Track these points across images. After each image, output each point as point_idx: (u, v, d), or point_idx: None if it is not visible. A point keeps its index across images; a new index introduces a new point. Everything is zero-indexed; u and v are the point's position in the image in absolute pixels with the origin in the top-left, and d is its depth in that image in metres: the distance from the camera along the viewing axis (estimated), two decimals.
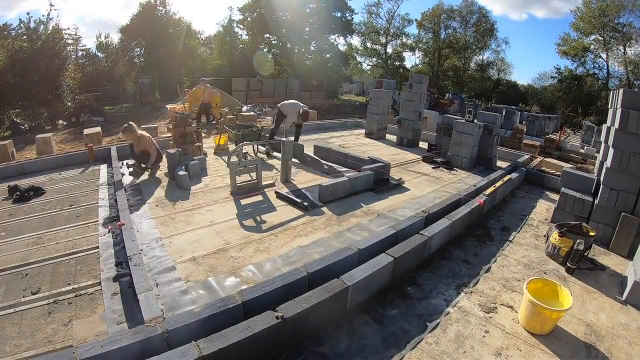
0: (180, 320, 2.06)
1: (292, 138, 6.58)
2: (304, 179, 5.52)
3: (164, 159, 5.52)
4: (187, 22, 27.77)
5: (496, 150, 7.07)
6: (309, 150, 6.98)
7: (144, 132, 5.52)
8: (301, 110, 6.57)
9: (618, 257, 3.70)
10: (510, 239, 3.99)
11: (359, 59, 38.83)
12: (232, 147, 6.57)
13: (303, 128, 10.28)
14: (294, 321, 2.13)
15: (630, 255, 3.62)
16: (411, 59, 66.46)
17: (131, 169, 5.51)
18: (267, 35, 31.22)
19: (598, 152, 5.73)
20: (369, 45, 37.92)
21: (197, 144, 6.40)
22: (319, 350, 2.22)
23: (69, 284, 2.76)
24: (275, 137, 6.79)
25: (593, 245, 3.57)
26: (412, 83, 8.62)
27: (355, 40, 37.55)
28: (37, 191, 4.76)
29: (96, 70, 22.94)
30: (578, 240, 3.24)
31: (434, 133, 8.47)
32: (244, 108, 14.66)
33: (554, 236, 3.51)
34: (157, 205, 4.27)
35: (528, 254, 3.66)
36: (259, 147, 6.69)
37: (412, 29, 57.42)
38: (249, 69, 26.70)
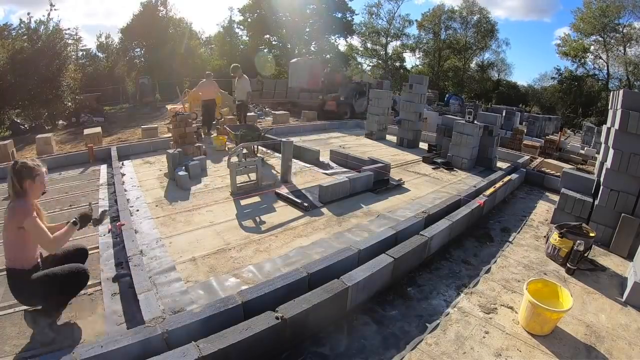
0: (180, 321, 2.06)
1: (292, 138, 6.57)
2: (304, 179, 5.52)
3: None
4: (187, 23, 27.88)
5: (496, 151, 7.07)
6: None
7: None
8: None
9: (618, 258, 3.70)
10: (510, 239, 3.99)
11: (359, 59, 38.93)
12: (232, 147, 6.56)
13: (303, 128, 10.35)
14: (293, 321, 2.13)
15: (630, 256, 3.62)
16: (411, 60, 66.47)
17: None
18: (268, 35, 31.31)
19: (598, 153, 5.72)
20: (369, 45, 38.04)
21: (197, 144, 6.41)
22: (319, 351, 2.21)
23: None
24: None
25: (593, 246, 3.57)
26: (412, 84, 8.62)
27: (356, 41, 37.67)
28: None
29: (96, 71, 22.96)
30: (578, 241, 3.24)
31: (434, 134, 8.48)
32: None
33: (554, 237, 3.51)
34: (157, 206, 4.27)
35: (528, 254, 3.66)
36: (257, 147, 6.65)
37: (413, 30, 57.47)
38: (249, 70, 26.67)
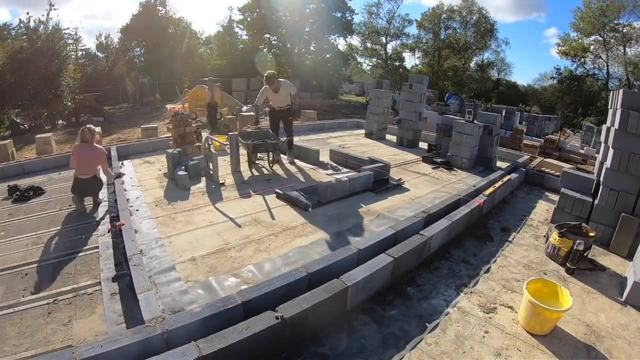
0: (180, 320, 2.06)
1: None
2: (304, 179, 5.52)
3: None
4: (187, 22, 27.86)
5: (496, 150, 7.07)
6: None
7: None
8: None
9: (618, 257, 3.70)
10: (510, 239, 3.99)
11: (359, 59, 38.86)
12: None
13: (303, 128, 10.34)
14: (293, 321, 2.13)
15: (630, 256, 3.62)
16: (411, 60, 66.43)
17: None
18: (267, 35, 31.21)
19: (598, 152, 5.73)
20: (369, 45, 37.96)
21: (197, 144, 6.40)
22: (319, 351, 2.21)
23: (69, 284, 2.76)
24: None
25: (593, 245, 3.57)
26: (412, 83, 8.62)
27: (355, 41, 37.56)
28: (37, 191, 4.76)
29: (96, 70, 22.97)
30: (578, 241, 3.24)
31: (434, 133, 8.47)
32: (244, 108, 14.68)
33: (554, 237, 3.51)
34: (156, 205, 4.27)
35: (528, 254, 3.66)
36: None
37: (412, 29, 57.45)
38: (249, 69, 26.68)
